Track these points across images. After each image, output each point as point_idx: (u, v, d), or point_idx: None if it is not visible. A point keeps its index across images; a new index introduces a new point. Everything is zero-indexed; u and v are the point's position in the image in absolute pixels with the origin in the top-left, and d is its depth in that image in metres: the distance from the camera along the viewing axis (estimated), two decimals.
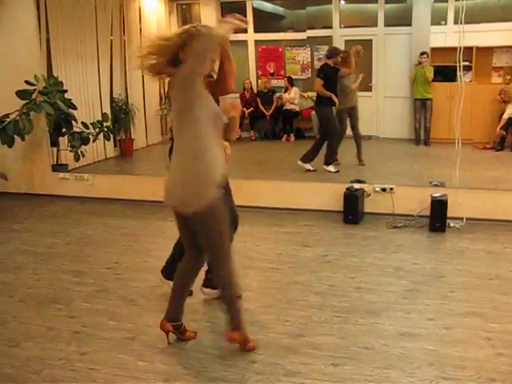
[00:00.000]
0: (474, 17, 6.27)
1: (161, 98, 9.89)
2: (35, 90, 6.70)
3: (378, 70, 10.32)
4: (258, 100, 10.59)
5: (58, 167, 7.43)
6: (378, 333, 3.52)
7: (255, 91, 10.76)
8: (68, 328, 3.69)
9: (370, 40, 10.20)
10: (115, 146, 9.07)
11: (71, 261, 4.95)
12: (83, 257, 5.05)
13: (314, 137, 9.05)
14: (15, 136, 6.61)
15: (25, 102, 6.69)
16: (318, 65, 9.67)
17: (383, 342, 3.40)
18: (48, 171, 7.28)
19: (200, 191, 3.02)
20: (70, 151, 7.25)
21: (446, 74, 9.37)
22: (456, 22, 5.46)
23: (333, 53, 7.52)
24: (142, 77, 8.78)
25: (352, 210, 5.81)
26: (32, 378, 3.13)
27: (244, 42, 10.76)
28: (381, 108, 10.30)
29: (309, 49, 10.73)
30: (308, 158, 7.46)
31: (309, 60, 10.75)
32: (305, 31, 10.75)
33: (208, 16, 10.16)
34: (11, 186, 7.16)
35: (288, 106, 10.29)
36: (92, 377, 3.12)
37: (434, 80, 9.39)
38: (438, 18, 9.84)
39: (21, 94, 6.62)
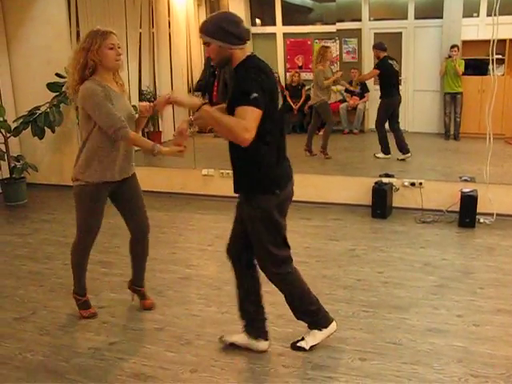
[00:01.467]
0: (507, 8, 6.12)
1: (189, 91, 9.92)
2: (65, 82, 6.77)
3: (407, 63, 10.16)
4: (286, 93, 10.56)
5: None
6: (405, 328, 3.50)
7: (283, 84, 10.72)
8: (97, 318, 3.75)
9: (400, 33, 10.05)
10: None
11: (100, 251, 4.99)
12: (111, 248, 5.11)
13: (341, 130, 8.97)
14: (46, 128, 6.70)
15: (55, 94, 6.77)
16: (346, 58, 9.59)
17: (411, 338, 3.37)
18: None
19: None
20: None
21: (476, 67, 9.20)
22: (489, 14, 5.37)
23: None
24: (171, 70, 8.83)
25: (380, 204, 5.77)
26: (62, 365, 3.19)
27: (272, 35, 10.72)
28: (410, 102, 10.15)
29: (338, 42, 10.64)
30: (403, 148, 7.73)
31: (337, 53, 10.66)
32: (334, 24, 10.67)
33: (236, 9, 10.11)
34: (41, 177, 7.27)
35: None
36: (120, 366, 3.16)
37: (464, 73, 9.24)
38: (470, 10, 9.66)
39: (51, 86, 6.70)
